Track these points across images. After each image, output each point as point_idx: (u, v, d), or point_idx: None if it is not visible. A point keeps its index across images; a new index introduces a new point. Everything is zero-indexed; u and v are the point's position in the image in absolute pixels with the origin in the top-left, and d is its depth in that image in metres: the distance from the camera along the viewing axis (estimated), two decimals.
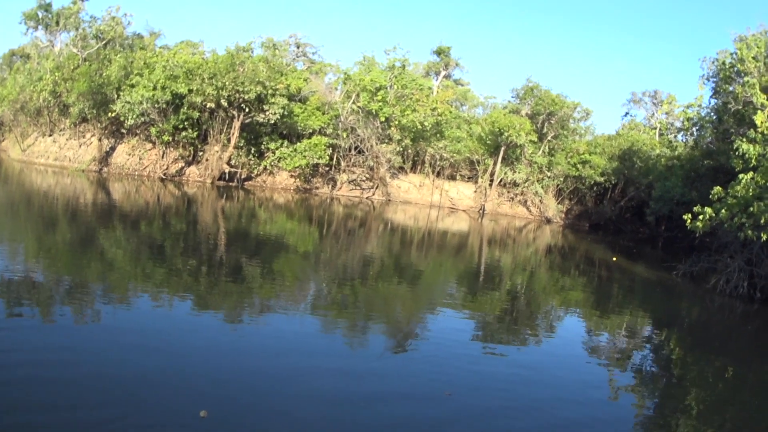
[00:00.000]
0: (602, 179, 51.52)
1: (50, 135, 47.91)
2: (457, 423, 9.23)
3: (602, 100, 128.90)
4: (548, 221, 52.77)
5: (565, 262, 31.76)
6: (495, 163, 52.25)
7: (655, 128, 47.88)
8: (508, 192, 54.24)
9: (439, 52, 61.57)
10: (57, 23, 48.71)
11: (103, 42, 47.82)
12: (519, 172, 52.36)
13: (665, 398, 12.09)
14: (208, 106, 43.42)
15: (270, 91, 43.99)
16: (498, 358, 12.99)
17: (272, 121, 45.12)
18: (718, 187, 23.32)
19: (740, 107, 26.90)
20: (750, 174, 21.71)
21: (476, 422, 9.35)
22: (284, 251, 24.74)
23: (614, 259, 33.38)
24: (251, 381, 9.93)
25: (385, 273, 22.37)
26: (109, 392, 8.77)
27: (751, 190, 21.20)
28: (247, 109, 44.38)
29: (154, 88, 42.51)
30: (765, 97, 24.13)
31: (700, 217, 22.97)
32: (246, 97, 43.17)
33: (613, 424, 10.09)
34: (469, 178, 56.15)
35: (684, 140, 40.36)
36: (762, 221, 20.34)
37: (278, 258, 22.57)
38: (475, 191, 54.21)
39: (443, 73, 62.16)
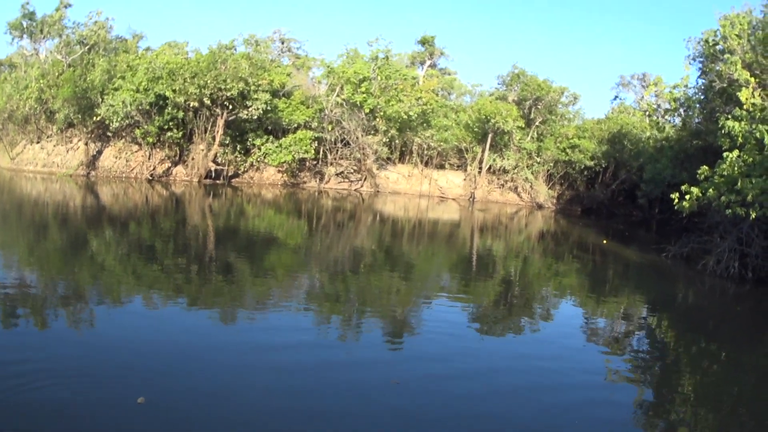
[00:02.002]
0: (592, 163, 51.33)
1: (38, 142, 47.62)
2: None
3: (591, 84, 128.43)
4: (540, 207, 52.58)
5: (555, 248, 31.60)
6: (483, 151, 52.05)
7: (645, 111, 47.75)
8: (498, 179, 54.03)
9: (423, 42, 61.25)
10: (41, 31, 48.41)
11: (87, 47, 47.50)
12: (508, 159, 52.16)
13: (658, 382, 11.91)
14: (191, 106, 43.17)
15: (253, 88, 43.84)
16: (481, 339, 12.88)
17: (255, 117, 45.05)
18: (705, 166, 23.12)
19: (725, 85, 26.71)
20: (736, 152, 21.51)
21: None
22: (273, 246, 24.66)
23: (605, 242, 33.26)
24: (196, 370, 9.85)
25: (375, 264, 22.16)
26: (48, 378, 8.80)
27: (736, 167, 21.02)
28: (230, 107, 44.18)
29: (137, 91, 42.30)
30: (748, 74, 23.93)
31: (687, 196, 22.79)
32: (228, 94, 42.99)
33: (610, 407, 9.87)
34: (458, 166, 55.92)
35: (672, 121, 40.13)
36: (749, 198, 20.19)
37: (264, 252, 22.30)
38: (465, 179, 53.95)
39: (428, 62, 61.87)
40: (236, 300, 14.89)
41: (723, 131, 22.73)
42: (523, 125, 51.60)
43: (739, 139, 21.81)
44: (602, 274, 24.79)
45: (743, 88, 22.84)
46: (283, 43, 63.06)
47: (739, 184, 20.69)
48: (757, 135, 20.77)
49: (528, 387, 10.33)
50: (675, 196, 23.64)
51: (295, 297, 15.95)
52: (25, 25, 48.04)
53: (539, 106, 53.13)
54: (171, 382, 9.26)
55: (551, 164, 53.18)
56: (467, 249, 28.78)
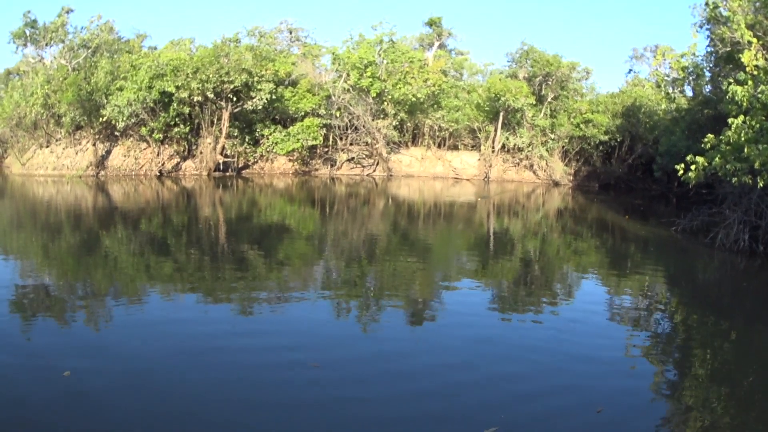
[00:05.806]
0: (607, 138, 50.45)
1: (47, 146, 47.86)
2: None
3: (606, 58, 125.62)
4: (556, 184, 51.87)
5: (570, 225, 30.95)
6: (496, 130, 51.41)
7: (655, 81, 46.64)
8: (513, 157, 53.48)
9: (430, 24, 60.34)
10: (44, 38, 48.69)
11: (90, 50, 47.71)
12: (521, 137, 51.47)
13: (670, 361, 11.41)
14: (195, 101, 43.27)
15: (256, 79, 43.71)
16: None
17: (260, 107, 45.14)
18: (711, 134, 22.25)
19: (728, 49, 25.74)
20: (741, 117, 20.62)
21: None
22: (286, 235, 24.68)
23: (627, 218, 32.66)
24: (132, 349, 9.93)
25: (390, 248, 21.87)
26: None
27: (742, 134, 20.17)
28: (234, 99, 44.20)
29: (140, 89, 42.37)
30: (750, 34, 22.96)
31: (693, 167, 21.93)
32: (232, 86, 42.97)
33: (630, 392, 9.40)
34: (472, 146, 55.49)
35: (683, 92, 38.98)
36: (756, 165, 19.34)
37: (278, 241, 22.19)
38: (479, 159, 53.38)
39: (437, 43, 60.99)
40: (252, 290, 14.66)
41: (728, 97, 21.85)
42: (535, 102, 50.82)
43: (744, 103, 20.93)
44: (613, 250, 24.16)
45: (746, 51, 21.92)
46: (291, 33, 62.56)
47: (745, 150, 19.85)
48: (762, 98, 19.92)
49: (531, 367, 10.07)
50: (680, 167, 22.74)
51: (311, 285, 15.73)
52: (28, 34, 48.35)
53: (550, 82, 52.26)
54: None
55: (566, 140, 52.39)
56: (485, 229, 28.40)
